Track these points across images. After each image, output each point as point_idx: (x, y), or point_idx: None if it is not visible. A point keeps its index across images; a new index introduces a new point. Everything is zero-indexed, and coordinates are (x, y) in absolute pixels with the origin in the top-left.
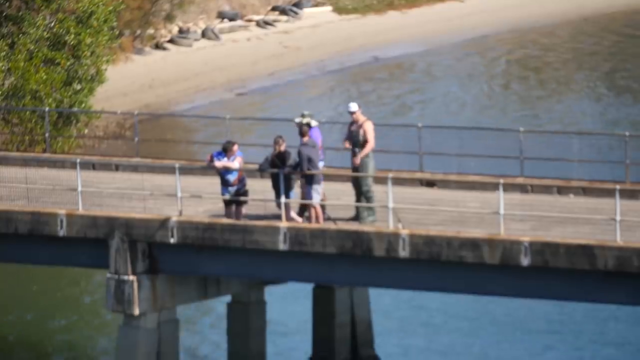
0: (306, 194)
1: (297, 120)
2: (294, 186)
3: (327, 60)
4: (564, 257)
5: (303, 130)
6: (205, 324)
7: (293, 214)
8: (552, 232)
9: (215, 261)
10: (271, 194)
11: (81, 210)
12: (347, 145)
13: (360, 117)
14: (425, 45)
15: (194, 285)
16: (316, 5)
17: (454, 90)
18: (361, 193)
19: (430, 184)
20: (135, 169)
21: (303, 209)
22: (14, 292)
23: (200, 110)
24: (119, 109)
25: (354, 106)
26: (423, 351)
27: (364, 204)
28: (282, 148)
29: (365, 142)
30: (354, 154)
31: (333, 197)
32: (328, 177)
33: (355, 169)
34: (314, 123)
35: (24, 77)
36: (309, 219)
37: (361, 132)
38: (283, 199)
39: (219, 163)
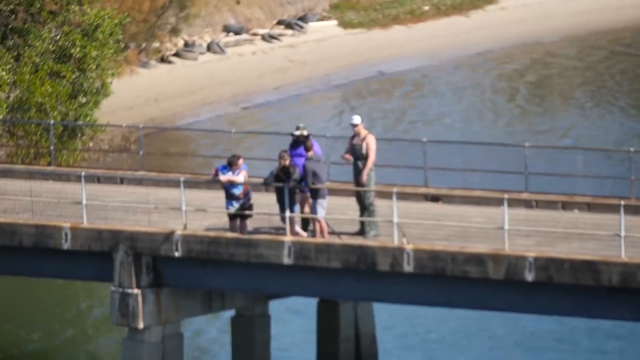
0: (311, 209)
1: (297, 133)
2: (297, 201)
3: (333, 74)
4: (569, 272)
5: (308, 144)
6: (209, 337)
7: (298, 229)
8: (557, 248)
9: (220, 275)
10: (276, 208)
11: (86, 224)
12: (347, 157)
13: (363, 131)
14: (431, 60)
15: (199, 299)
16: (321, 19)
17: (459, 105)
18: (364, 207)
19: (434, 199)
20: (140, 182)
21: (306, 224)
22: (18, 305)
23: (206, 124)
24: (124, 122)
25: (356, 119)
26: None
27: (367, 218)
28: (287, 162)
29: (367, 155)
30: (355, 167)
31: (338, 211)
32: (333, 192)
33: (357, 182)
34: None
35: (30, 89)
36: (313, 234)
37: (364, 145)
38: (288, 213)
39: (223, 177)
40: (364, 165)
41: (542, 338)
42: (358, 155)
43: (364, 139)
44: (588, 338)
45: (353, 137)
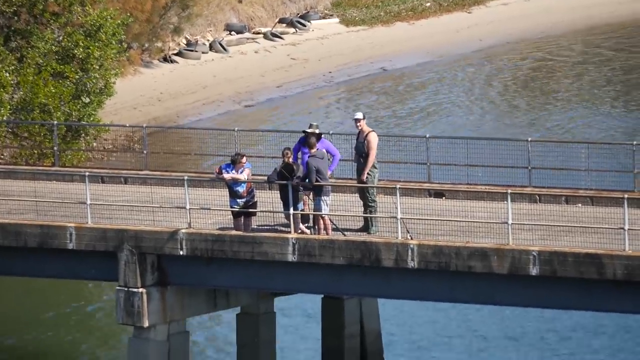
0: (315, 205)
1: (310, 130)
2: (301, 198)
3: (335, 72)
4: (573, 266)
5: (311, 141)
6: (214, 335)
7: (302, 226)
8: (561, 242)
9: (225, 273)
10: (280, 206)
11: (90, 223)
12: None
13: (365, 127)
14: (433, 56)
15: (204, 296)
16: (323, 17)
17: (461, 101)
18: (364, 203)
19: (438, 194)
20: (144, 181)
21: (305, 220)
22: (23, 305)
23: (209, 122)
24: (127, 122)
25: (359, 114)
26: None
27: (366, 215)
28: (290, 160)
29: (368, 153)
30: (359, 163)
31: (342, 208)
32: (337, 189)
33: (357, 179)
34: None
35: (33, 90)
36: (313, 230)
37: (365, 143)
38: (292, 211)
39: (227, 175)
40: (365, 163)
41: (548, 332)
42: (361, 152)
43: (366, 136)
44: (597, 332)
45: (359, 133)
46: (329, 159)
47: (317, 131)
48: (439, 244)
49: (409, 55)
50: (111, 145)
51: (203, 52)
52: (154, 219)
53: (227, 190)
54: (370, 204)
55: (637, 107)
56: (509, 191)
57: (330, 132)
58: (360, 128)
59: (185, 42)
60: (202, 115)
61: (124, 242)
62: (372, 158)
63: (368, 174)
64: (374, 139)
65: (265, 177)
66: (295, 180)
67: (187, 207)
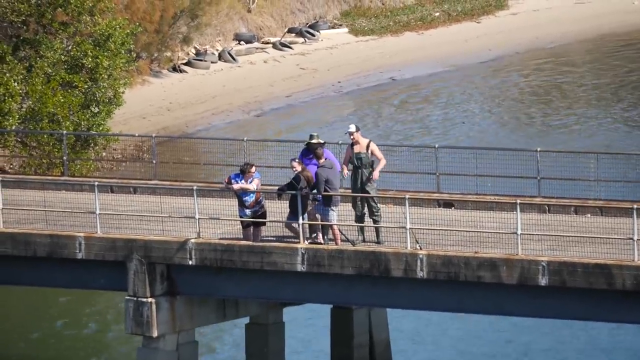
0: (324, 215)
1: (314, 141)
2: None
3: (344, 81)
4: (582, 276)
5: (319, 152)
6: (224, 345)
7: (313, 237)
8: (570, 252)
9: (234, 283)
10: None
11: (99, 233)
12: (347, 170)
13: (362, 139)
14: (442, 66)
15: (213, 306)
16: (332, 27)
17: (471, 111)
18: (371, 213)
19: (447, 204)
20: (153, 191)
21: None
22: (31, 314)
23: (218, 132)
24: (136, 132)
25: (352, 127)
26: None
27: (362, 224)
28: (298, 169)
29: (373, 162)
30: (356, 175)
31: (350, 218)
32: (345, 199)
33: (362, 189)
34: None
35: (42, 100)
36: (314, 241)
37: (369, 153)
38: (300, 221)
39: (236, 185)
40: (370, 173)
41: (557, 341)
42: (364, 164)
43: (367, 146)
44: (609, 341)
45: (352, 145)
46: None
47: (320, 141)
48: (448, 254)
49: (418, 65)
50: (120, 155)
51: (212, 62)
52: (163, 229)
53: (237, 200)
54: (376, 213)
55: None
56: (518, 201)
57: (340, 141)
58: (354, 140)
59: (194, 51)
60: (212, 125)
61: (133, 252)
62: (384, 160)
63: (370, 185)
64: (376, 146)
65: (275, 187)
66: (304, 190)
67: (197, 217)
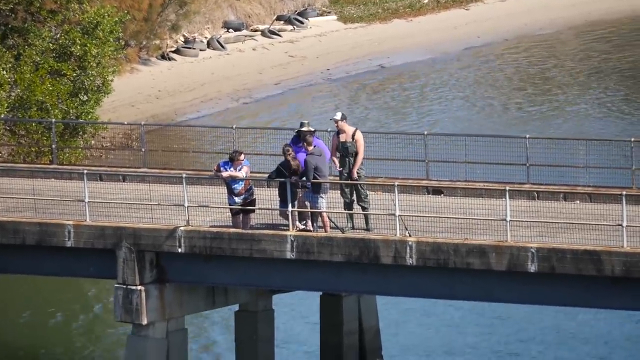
0: (313, 203)
1: (305, 129)
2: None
3: (333, 69)
4: (571, 263)
5: (308, 139)
6: (213, 332)
7: (298, 224)
8: (559, 239)
9: (223, 270)
10: (278, 203)
11: (88, 221)
12: (336, 161)
13: (348, 128)
14: (431, 53)
15: (202, 294)
16: (321, 14)
17: (459, 98)
18: (360, 201)
19: (437, 191)
20: (142, 179)
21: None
22: (21, 303)
23: (207, 120)
24: (125, 120)
25: (338, 115)
26: (431, 358)
27: (348, 211)
28: (290, 157)
29: (357, 152)
30: (343, 163)
31: (339, 205)
32: (334, 186)
33: (349, 178)
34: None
35: (30, 88)
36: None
37: (354, 142)
38: (290, 208)
39: (225, 173)
40: (355, 161)
41: (548, 327)
42: (350, 153)
43: (353, 135)
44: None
45: (338, 133)
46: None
47: (310, 129)
48: (438, 241)
49: (406, 52)
50: (109, 143)
51: (201, 50)
52: (152, 217)
53: (226, 187)
54: (365, 199)
55: (636, 104)
56: (507, 188)
57: (329, 129)
58: (339, 128)
59: (183, 39)
60: (200, 113)
61: (123, 240)
62: (362, 156)
63: (358, 171)
64: (362, 136)
65: (264, 175)
66: (294, 177)
67: (186, 204)
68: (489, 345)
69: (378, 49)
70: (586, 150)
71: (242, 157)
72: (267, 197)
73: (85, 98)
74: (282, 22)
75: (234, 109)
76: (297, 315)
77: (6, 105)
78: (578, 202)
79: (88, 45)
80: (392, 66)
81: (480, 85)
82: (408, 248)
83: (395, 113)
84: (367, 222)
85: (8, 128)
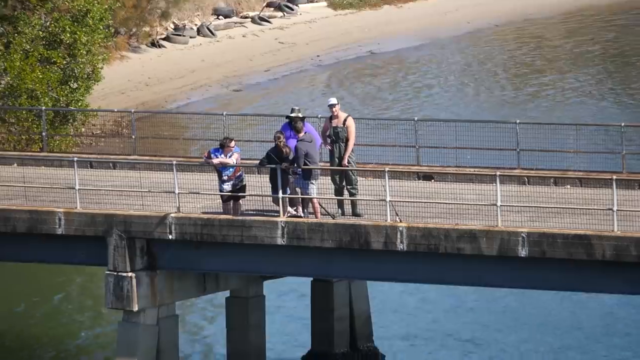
0: (303, 189)
1: (293, 115)
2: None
3: (323, 55)
4: (562, 247)
5: (298, 126)
6: (204, 319)
7: (291, 209)
8: (550, 223)
9: (214, 257)
10: (269, 189)
11: (79, 208)
12: (329, 144)
13: (341, 113)
14: (421, 39)
15: (193, 280)
16: (311, 1)
17: (450, 83)
18: (350, 185)
19: (427, 177)
20: (132, 166)
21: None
22: (13, 290)
23: (197, 106)
24: (115, 107)
25: (333, 100)
26: (422, 344)
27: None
28: (281, 143)
29: (348, 138)
30: (333, 149)
31: (330, 192)
32: (324, 172)
33: (338, 163)
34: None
35: (20, 76)
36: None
37: (345, 128)
38: (281, 194)
39: (216, 160)
40: (346, 147)
41: (538, 311)
42: (341, 138)
43: (344, 121)
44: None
45: (330, 118)
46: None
47: (300, 115)
48: (428, 226)
49: (396, 39)
50: (99, 131)
51: (191, 37)
52: (142, 204)
53: (216, 174)
54: (355, 185)
55: (627, 88)
56: (498, 173)
57: (319, 115)
58: (335, 113)
59: (173, 26)
60: (191, 100)
61: (113, 227)
62: (352, 143)
63: (349, 157)
64: (353, 123)
65: (256, 162)
66: (285, 164)
67: (176, 191)
68: (481, 330)
69: (368, 35)
70: (577, 134)
71: (232, 143)
72: (257, 184)
73: (75, 86)
74: (272, 8)
75: (224, 95)
76: (288, 302)
77: None
78: (569, 186)
79: (78, 32)
80: (382, 52)
81: (471, 70)
82: (399, 233)
83: (385, 99)
84: (354, 208)
85: None
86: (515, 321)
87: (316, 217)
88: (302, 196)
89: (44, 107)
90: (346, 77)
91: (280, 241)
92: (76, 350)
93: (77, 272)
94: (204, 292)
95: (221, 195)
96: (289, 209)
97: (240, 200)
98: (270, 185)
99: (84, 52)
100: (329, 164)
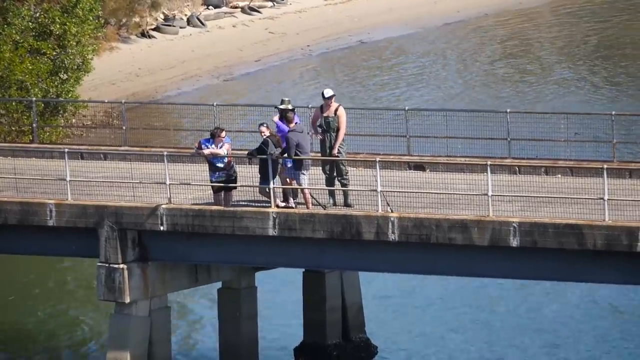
0: (295, 179)
1: (282, 106)
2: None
3: (313, 45)
4: (553, 237)
5: (289, 116)
6: (196, 310)
7: (282, 202)
8: (541, 213)
9: (206, 248)
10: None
11: (70, 200)
12: (319, 134)
13: (334, 103)
14: (412, 29)
15: (185, 272)
16: None
17: (440, 73)
18: (340, 176)
19: (418, 167)
20: (123, 157)
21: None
22: (4, 282)
23: (188, 97)
24: (106, 98)
25: (328, 92)
26: (414, 334)
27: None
28: (266, 134)
29: (339, 128)
30: (324, 139)
31: (321, 182)
32: (315, 163)
33: (331, 154)
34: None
35: (10, 67)
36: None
37: (336, 117)
38: (272, 185)
39: (206, 150)
40: (336, 137)
41: (529, 301)
42: (331, 128)
43: (336, 111)
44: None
45: (321, 107)
46: None
47: (289, 106)
48: (420, 216)
49: (387, 28)
50: (90, 122)
51: (181, 27)
52: (134, 195)
53: (207, 165)
54: (345, 176)
55: (617, 77)
56: (489, 163)
57: (310, 105)
58: (329, 104)
59: (162, 17)
60: (181, 90)
61: (105, 219)
62: (343, 133)
63: (340, 147)
64: (344, 113)
65: (245, 152)
66: (275, 154)
67: (167, 182)
68: (472, 321)
69: (358, 24)
70: (567, 124)
71: (223, 134)
72: (248, 174)
73: (66, 77)
74: None
75: (214, 85)
76: (280, 292)
77: None
78: (559, 176)
79: (68, 23)
80: (372, 42)
81: (462, 59)
82: (390, 224)
83: (375, 88)
84: (346, 198)
85: None
86: (506, 311)
87: (307, 208)
88: (293, 187)
89: (34, 99)
90: (337, 67)
91: (271, 232)
92: (69, 341)
93: (69, 263)
94: (196, 283)
95: (212, 186)
96: (279, 203)
97: (232, 191)
98: (260, 177)
99: (74, 43)
100: (320, 154)
